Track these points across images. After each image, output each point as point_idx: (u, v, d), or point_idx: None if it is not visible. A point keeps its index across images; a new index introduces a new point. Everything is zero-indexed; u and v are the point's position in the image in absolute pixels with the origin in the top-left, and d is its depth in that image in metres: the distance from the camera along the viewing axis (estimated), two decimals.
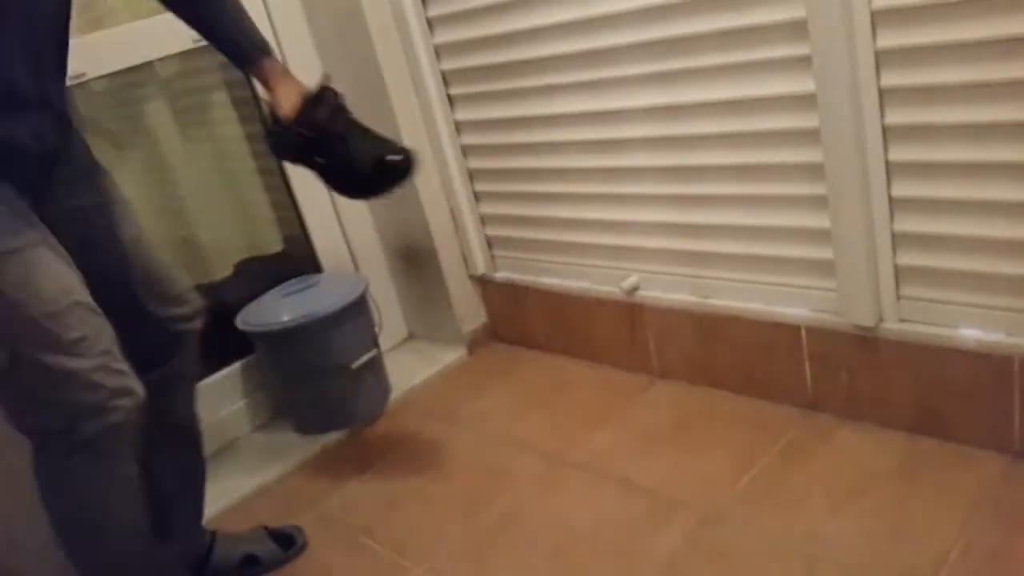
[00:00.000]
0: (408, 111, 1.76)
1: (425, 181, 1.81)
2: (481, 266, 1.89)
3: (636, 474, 1.39)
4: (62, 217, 1.06)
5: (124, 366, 1.01)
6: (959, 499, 1.16)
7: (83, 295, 1.00)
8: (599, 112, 1.49)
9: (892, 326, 1.26)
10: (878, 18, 1.10)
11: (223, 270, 1.82)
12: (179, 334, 1.22)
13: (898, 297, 1.25)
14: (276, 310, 1.73)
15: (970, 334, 1.19)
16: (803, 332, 1.37)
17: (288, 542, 1.42)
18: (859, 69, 1.13)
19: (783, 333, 1.40)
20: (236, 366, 1.82)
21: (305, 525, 1.46)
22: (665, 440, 1.47)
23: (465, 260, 1.90)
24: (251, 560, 1.39)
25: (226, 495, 1.63)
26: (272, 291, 1.80)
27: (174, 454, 1.29)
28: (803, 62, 1.18)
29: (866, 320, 1.27)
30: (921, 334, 1.24)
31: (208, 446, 1.75)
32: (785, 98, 1.24)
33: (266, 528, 1.44)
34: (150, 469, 1.12)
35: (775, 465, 1.33)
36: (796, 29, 1.17)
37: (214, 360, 1.81)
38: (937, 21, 1.05)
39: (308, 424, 1.78)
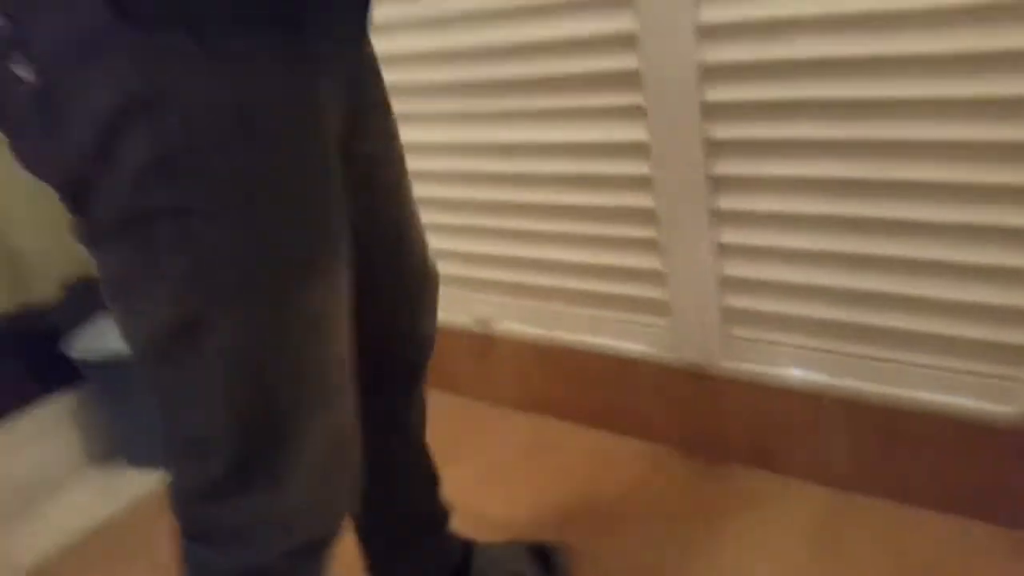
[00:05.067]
0: None
1: None
2: None
3: (490, 508, 1.39)
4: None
5: None
6: (789, 532, 1.21)
7: None
8: (445, 144, 1.48)
9: (722, 364, 1.30)
10: (705, 73, 1.13)
11: (49, 289, 1.69)
12: None
13: (727, 337, 1.29)
14: (110, 335, 1.62)
15: (795, 373, 1.25)
16: (642, 367, 1.40)
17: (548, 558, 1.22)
18: (688, 121, 1.15)
19: (625, 367, 1.43)
20: (63, 396, 1.70)
21: (142, 572, 1.38)
22: (516, 473, 1.47)
23: None
24: None
25: (58, 535, 1.53)
26: (106, 313, 1.70)
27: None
28: (638, 111, 1.21)
29: (698, 358, 1.30)
30: (749, 372, 1.28)
31: (35, 484, 1.65)
32: (620, 145, 1.26)
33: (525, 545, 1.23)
34: None
35: (619, 497, 1.35)
36: (629, 78, 1.19)
37: (38, 389, 1.69)
38: (762, 79, 1.10)
39: (145, 457, 1.69)
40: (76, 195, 0.62)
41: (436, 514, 1.16)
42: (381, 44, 1.40)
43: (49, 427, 1.69)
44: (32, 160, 0.64)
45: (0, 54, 0.56)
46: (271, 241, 0.63)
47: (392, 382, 0.95)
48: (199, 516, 0.74)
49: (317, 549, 0.78)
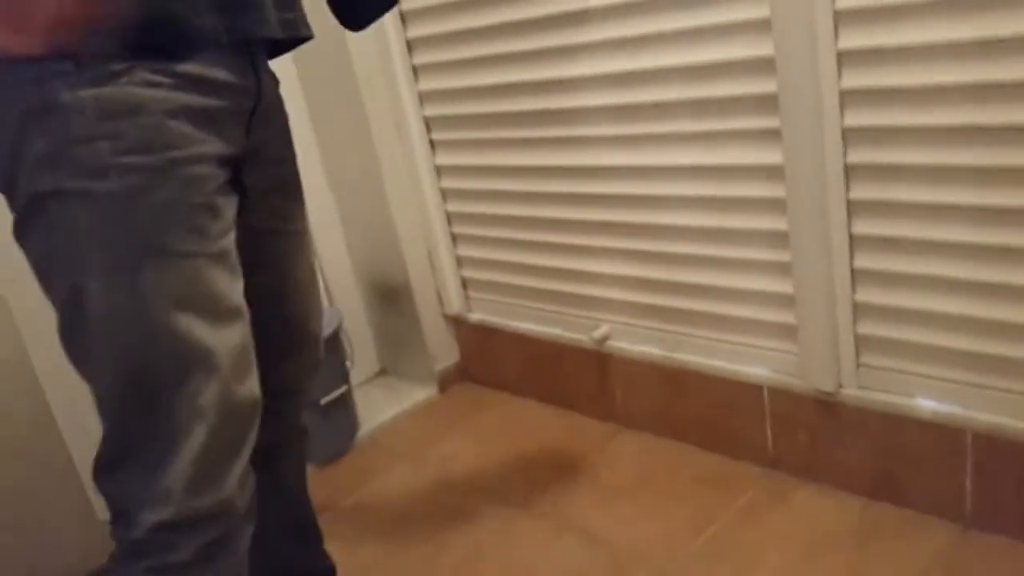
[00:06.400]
0: (391, 153, 1.79)
1: (404, 221, 1.83)
2: (456, 306, 1.90)
3: (597, 526, 1.40)
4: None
5: None
6: (910, 567, 1.18)
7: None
8: (573, 167, 1.53)
9: (851, 392, 1.29)
10: (845, 97, 1.14)
11: None
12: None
13: (858, 365, 1.27)
14: None
15: (926, 405, 1.22)
16: (765, 392, 1.40)
17: None
18: (825, 144, 1.16)
19: (746, 392, 1.42)
20: None
21: None
22: (628, 492, 1.48)
23: (440, 299, 1.92)
24: None
25: None
26: None
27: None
28: (773, 134, 1.22)
29: (826, 385, 1.29)
30: (879, 402, 1.26)
31: None
32: (754, 168, 1.27)
33: None
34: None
35: (734, 523, 1.34)
36: (766, 102, 1.21)
37: None
38: (902, 104, 1.09)
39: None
40: (9, 194, 0.77)
41: (315, 571, 1.16)
42: (551, 70, 1.48)
43: None
44: None
45: None
46: (127, 223, 0.74)
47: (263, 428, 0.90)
48: (100, 487, 0.82)
49: (200, 530, 0.79)
